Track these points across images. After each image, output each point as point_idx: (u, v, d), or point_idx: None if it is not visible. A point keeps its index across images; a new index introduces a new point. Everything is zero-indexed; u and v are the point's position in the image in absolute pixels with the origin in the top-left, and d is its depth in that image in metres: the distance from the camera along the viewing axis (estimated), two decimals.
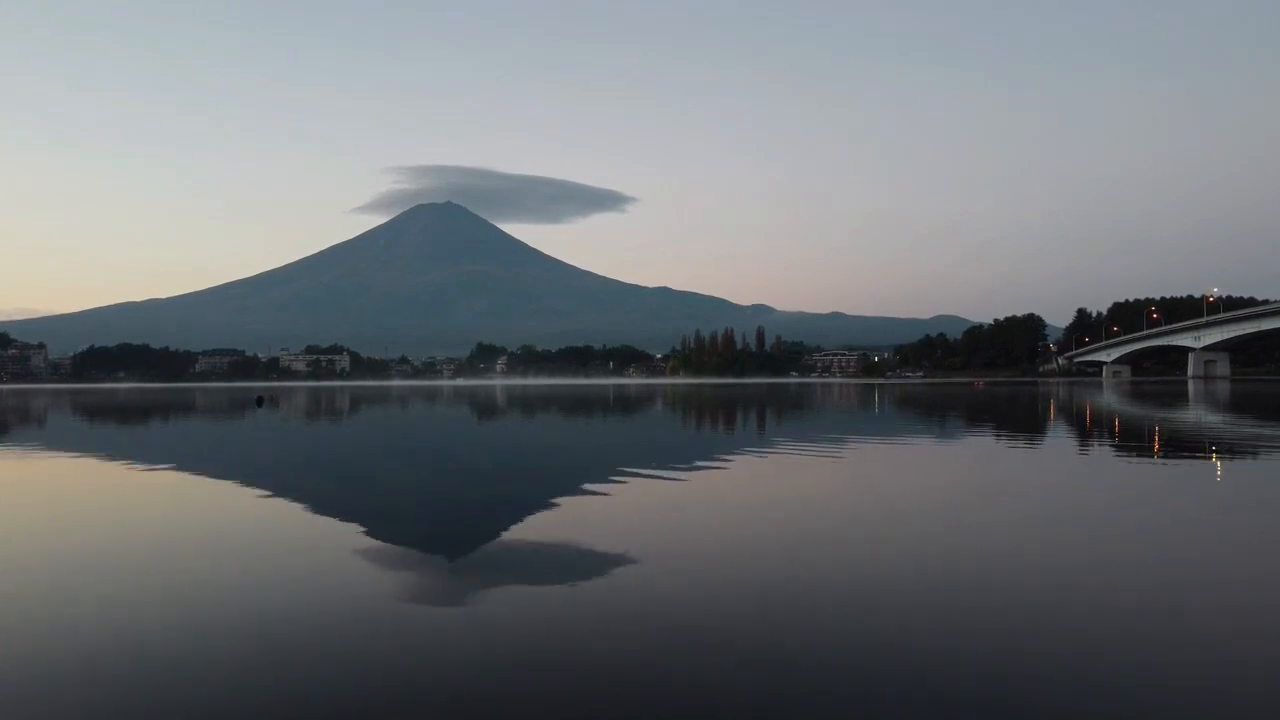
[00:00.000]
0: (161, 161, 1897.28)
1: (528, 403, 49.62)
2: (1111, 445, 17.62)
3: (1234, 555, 6.91)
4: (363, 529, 8.34)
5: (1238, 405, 36.06)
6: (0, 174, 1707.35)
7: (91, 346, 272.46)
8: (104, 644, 4.81)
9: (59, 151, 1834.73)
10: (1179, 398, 46.31)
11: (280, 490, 11.29)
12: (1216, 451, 15.34)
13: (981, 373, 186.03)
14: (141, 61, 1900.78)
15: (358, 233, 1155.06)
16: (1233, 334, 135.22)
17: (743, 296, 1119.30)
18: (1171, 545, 7.36)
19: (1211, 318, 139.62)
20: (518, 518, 9.00)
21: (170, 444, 20.95)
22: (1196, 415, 28.01)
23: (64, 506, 10.43)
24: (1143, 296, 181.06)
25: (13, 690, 4.17)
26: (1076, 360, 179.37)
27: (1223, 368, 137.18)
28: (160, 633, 5.03)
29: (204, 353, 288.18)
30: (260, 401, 35.85)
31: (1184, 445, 17.10)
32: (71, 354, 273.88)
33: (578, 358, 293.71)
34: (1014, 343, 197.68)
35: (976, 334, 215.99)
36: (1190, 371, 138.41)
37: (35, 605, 5.68)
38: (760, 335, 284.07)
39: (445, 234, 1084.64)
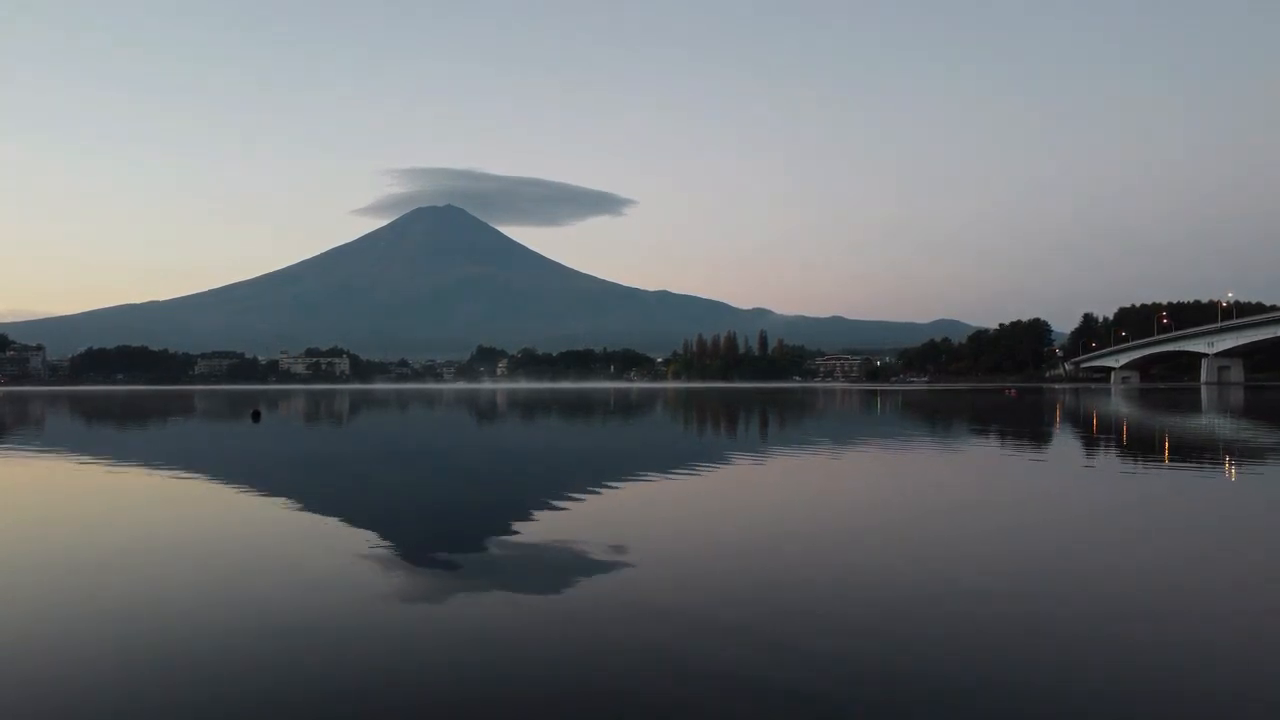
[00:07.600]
0: (161, 163, 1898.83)
1: (528, 407, 49.04)
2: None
3: None
4: (368, 532, 8.36)
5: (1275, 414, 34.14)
6: (0, 175, 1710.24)
7: (90, 348, 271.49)
8: (105, 645, 4.84)
9: (58, 153, 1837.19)
10: (1211, 406, 44.39)
11: (284, 496, 11.04)
12: None
13: (985, 377, 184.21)
14: (139, 63, 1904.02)
15: (358, 235, 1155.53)
16: (1248, 340, 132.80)
17: (742, 300, 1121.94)
18: None
19: (1226, 323, 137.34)
20: (519, 520, 8.90)
21: (172, 449, 20.42)
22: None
23: (46, 510, 10.37)
24: (1149, 301, 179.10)
25: (17, 690, 4.23)
26: (1084, 365, 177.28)
27: (1237, 373, 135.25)
28: (162, 634, 5.01)
29: (203, 355, 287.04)
30: (257, 416, 35.10)
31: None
32: (70, 356, 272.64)
33: (578, 361, 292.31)
34: (1019, 347, 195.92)
35: (981, 338, 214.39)
36: (1204, 377, 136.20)
37: (28, 608, 5.69)
38: (762, 339, 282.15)
39: (445, 236, 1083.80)
